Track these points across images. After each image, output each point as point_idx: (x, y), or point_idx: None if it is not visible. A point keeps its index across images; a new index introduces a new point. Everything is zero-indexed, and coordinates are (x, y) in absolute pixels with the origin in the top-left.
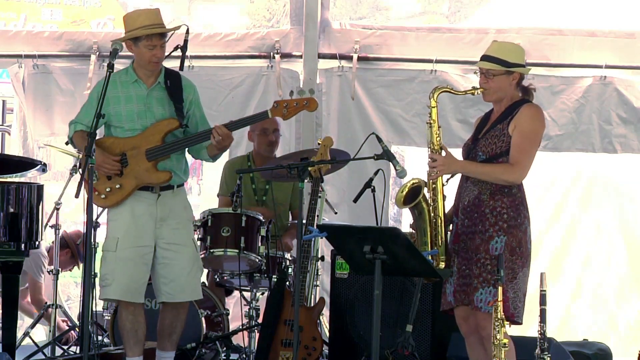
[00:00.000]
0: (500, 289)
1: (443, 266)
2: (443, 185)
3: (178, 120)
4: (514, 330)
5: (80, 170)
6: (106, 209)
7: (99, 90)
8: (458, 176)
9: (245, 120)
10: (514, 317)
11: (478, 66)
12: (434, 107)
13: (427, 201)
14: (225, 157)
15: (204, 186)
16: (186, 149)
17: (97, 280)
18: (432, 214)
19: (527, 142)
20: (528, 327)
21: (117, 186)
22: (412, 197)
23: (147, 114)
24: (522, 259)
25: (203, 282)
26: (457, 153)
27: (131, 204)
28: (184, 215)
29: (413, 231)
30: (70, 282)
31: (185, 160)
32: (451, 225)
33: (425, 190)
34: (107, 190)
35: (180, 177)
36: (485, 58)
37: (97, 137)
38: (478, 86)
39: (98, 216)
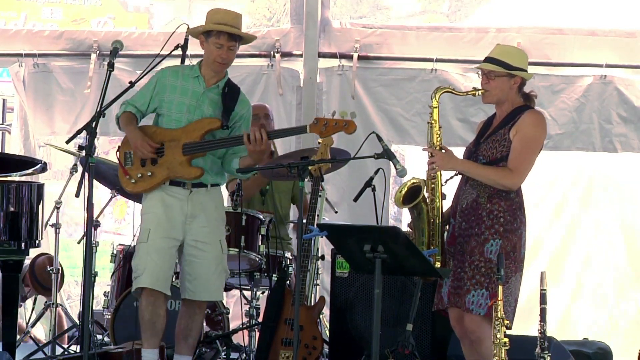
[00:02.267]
0: (500, 288)
1: (439, 265)
2: (442, 185)
3: (221, 120)
4: (514, 329)
5: (130, 154)
6: (137, 203)
7: (160, 76)
8: (457, 178)
9: (283, 132)
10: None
11: (480, 67)
12: (435, 107)
13: (426, 201)
14: None
15: None
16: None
17: (96, 278)
18: (431, 214)
19: (526, 149)
20: (528, 326)
21: (149, 174)
22: (411, 197)
23: (197, 111)
24: (516, 264)
25: None
26: (457, 152)
27: (163, 198)
28: (214, 215)
29: (411, 231)
30: (70, 281)
31: (220, 163)
32: (448, 225)
33: (424, 190)
34: (139, 176)
35: (214, 177)
36: (488, 60)
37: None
38: (479, 86)
39: (98, 215)
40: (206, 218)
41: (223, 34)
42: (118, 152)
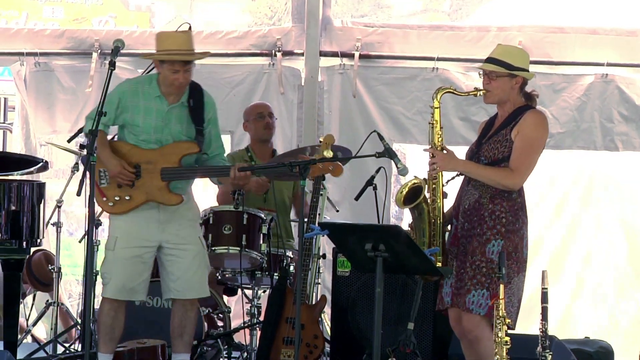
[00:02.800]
0: (502, 287)
1: (440, 265)
2: (443, 185)
3: (198, 145)
4: (516, 328)
5: (104, 173)
6: None
7: (121, 96)
8: (459, 178)
9: (268, 167)
10: (514, 322)
11: (481, 68)
12: (436, 107)
13: (427, 202)
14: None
15: (206, 184)
16: None
17: (98, 277)
18: (432, 215)
19: (528, 149)
20: (530, 325)
21: (127, 197)
22: (412, 197)
23: (164, 130)
24: (518, 264)
25: None
26: (458, 150)
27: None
28: (188, 216)
29: (411, 231)
30: (71, 280)
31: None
32: (449, 226)
33: (425, 190)
34: (116, 198)
35: (186, 191)
36: (489, 60)
37: (112, 139)
38: (480, 85)
39: (100, 214)
40: (181, 220)
41: (179, 62)
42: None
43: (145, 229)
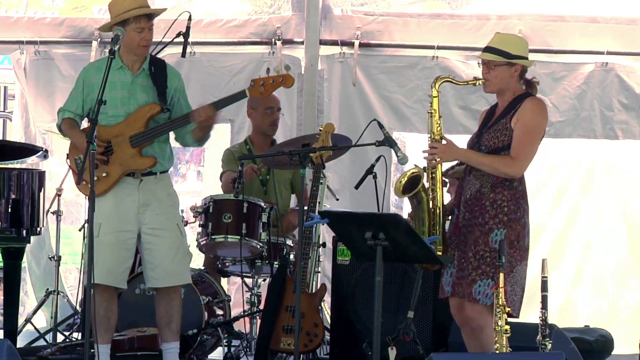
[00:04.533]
0: (502, 275)
1: (440, 254)
2: (442, 174)
3: (160, 104)
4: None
5: (80, 159)
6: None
7: (83, 76)
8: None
9: (225, 100)
10: (518, 310)
11: (480, 57)
12: (435, 96)
13: (426, 190)
14: (225, 145)
15: (205, 172)
16: (173, 137)
17: None
18: (431, 204)
19: (528, 136)
20: (529, 314)
21: (104, 174)
22: (411, 186)
23: (131, 101)
24: (521, 252)
25: (204, 268)
26: (458, 139)
27: (114, 190)
28: (167, 202)
29: (411, 220)
30: (72, 269)
31: (169, 147)
32: (451, 216)
33: (424, 179)
34: (95, 179)
35: (163, 164)
36: (487, 49)
37: (82, 127)
38: (480, 74)
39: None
40: (159, 205)
41: (142, 17)
42: (68, 160)
43: (125, 213)
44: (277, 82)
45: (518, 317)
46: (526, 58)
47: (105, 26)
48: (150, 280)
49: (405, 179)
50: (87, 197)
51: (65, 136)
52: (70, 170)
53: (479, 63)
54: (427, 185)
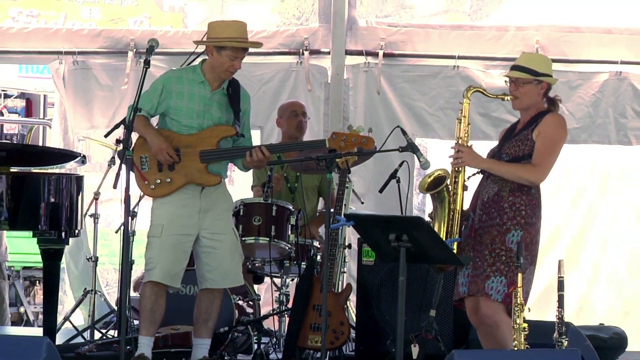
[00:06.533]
0: (520, 275)
1: None
2: (464, 180)
3: (235, 128)
4: (533, 315)
5: (146, 158)
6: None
7: (165, 83)
8: (479, 176)
9: (296, 145)
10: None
11: (509, 75)
12: (467, 104)
13: (449, 191)
14: None
15: (235, 176)
16: None
17: (133, 266)
18: (452, 205)
19: (549, 148)
20: (547, 312)
21: (168, 180)
22: (435, 186)
23: (206, 115)
24: (531, 255)
25: None
26: (477, 145)
27: (177, 194)
28: (225, 206)
29: (431, 221)
30: (109, 269)
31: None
32: (467, 220)
33: (448, 180)
34: (157, 181)
35: (223, 175)
36: (515, 68)
37: (155, 127)
38: (500, 82)
39: (136, 204)
40: (218, 211)
41: (240, 49)
42: (134, 156)
43: (187, 217)
44: (358, 142)
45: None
46: (551, 76)
47: (201, 43)
48: (207, 282)
49: (432, 178)
50: (151, 197)
51: (135, 132)
52: (125, 170)
53: (506, 81)
54: (449, 183)
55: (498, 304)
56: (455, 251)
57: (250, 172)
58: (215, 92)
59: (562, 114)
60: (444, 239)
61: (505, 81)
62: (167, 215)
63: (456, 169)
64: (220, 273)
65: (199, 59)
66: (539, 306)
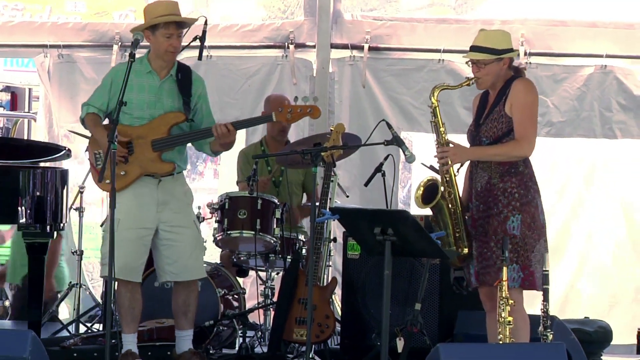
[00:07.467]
0: (505, 269)
1: (467, 252)
2: (455, 175)
3: (184, 113)
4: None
5: (99, 154)
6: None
7: (113, 76)
8: (466, 164)
9: (250, 121)
10: (542, 287)
11: (468, 57)
12: (435, 106)
13: (445, 197)
14: (240, 145)
15: (221, 170)
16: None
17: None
18: (452, 207)
19: (527, 116)
20: (532, 306)
21: (122, 173)
22: (429, 195)
23: (157, 105)
24: (537, 231)
25: (220, 263)
26: (463, 139)
27: (134, 188)
28: (184, 200)
29: (434, 224)
30: (94, 262)
31: (186, 150)
32: (469, 211)
33: (441, 187)
34: None
35: (180, 166)
36: (474, 49)
37: (104, 123)
38: (471, 76)
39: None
40: (177, 204)
41: (172, 24)
42: (87, 153)
43: (145, 210)
44: (304, 112)
45: (541, 291)
46: (511, 49)
47: (138, 28)
48: (168, 274)
49: (422, 189)
50: (108, 194)
51: (87, 129)
52: (90, 166)
53: (467, 63)
54: (442, 189)
55: (515, 290)
56: (467, 244)
57: (235, 167)
58: (165, 80)
59: (547, 108)
60: (453, 244)
61: (467, 62)
62: (124, 209)
63: (445, 170)
64: (180, 266)
65: (184, 53)
66: (524, 299)
